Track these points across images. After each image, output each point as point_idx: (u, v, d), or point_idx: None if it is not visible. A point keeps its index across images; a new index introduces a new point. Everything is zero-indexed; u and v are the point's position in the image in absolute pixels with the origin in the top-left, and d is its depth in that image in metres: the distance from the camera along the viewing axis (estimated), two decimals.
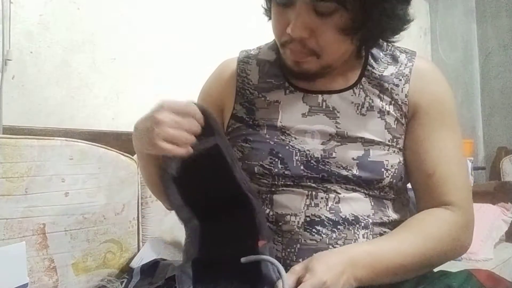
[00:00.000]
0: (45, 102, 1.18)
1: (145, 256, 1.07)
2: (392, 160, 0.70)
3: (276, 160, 0.71)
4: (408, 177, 0.74)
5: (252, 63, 0.81)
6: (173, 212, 1.27)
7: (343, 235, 0.67)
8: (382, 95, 0.73)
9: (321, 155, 0.70)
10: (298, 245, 0.68)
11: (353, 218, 0.68)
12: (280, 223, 0.69)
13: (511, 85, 2.50)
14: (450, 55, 2.71)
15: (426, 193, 0.71)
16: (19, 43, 1.13)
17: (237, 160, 0.67)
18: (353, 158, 0.69)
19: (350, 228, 0.68)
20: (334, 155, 0.70)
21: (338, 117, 0.72)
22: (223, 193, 0.64)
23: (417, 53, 0.78)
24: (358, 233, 0.68)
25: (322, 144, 0.71)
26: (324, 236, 0.67)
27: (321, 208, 0.68)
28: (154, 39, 1.43)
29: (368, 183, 0.69)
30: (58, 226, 0.97)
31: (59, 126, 1.18)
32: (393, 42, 0.74)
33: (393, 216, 0.72)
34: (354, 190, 0.69)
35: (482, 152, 2.59)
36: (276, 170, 0.71)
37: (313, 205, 0.69)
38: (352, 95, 0.73)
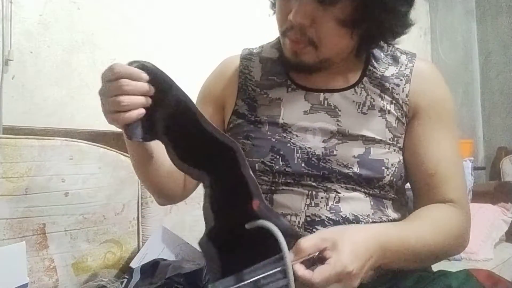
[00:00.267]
0: (45, 102, 1.18)
1: (152, 246, 1.07)
2: (392, 158, 0.71)
3: (277, 157, 0.71)
4: (407, 177, 0.75)
5: (255, 60, 0.81)
6: (173, 212, 1.27)
7: None
8: (383, 95, 0.73)
9: (322, 153, 0.70)
10: None
11: (353, 217, 0.68)
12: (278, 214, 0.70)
13: (511, 85, 2.50)
14: (450, 55, 2.71)
15: (427, 192, 0.72)
16: (19, 43, 1.13)
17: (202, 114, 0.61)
18: (354, 156, 0.70)
19: None
20: (335, 153, 0.70)
21: (339, 115, 0.72)
22: (204, 149, 0.59)
23: (417, 54, 0.79)
24: None
25: (323, 142, 0.71)
26: None
27: (321, 208, 0.69)
28: (154, 39, 1.43)
29: (368, 182, 0.70)
30: (58, 226, 0.97)
31: (59, 126, 1.18)
32: (394, 44, 0.75)
33: (393, 215, 0.72)
34: (354, 190, 0.70)
35: (482, 152, 2.59)
36: (277, 167, 0.71)
37: (313, 205, 0.69)
38: (353, 94, 0.73)
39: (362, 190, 0.70)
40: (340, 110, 0.72)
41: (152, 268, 0.94)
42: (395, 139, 0.72)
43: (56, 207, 0.97)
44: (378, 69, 0.75)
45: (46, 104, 1.18)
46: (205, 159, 0.60)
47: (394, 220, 0.72)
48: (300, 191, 0.70)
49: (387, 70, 0.75)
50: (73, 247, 0.99)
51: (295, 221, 0.69)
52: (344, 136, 0.71)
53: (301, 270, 0.51)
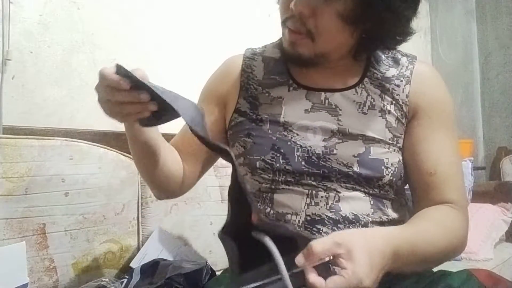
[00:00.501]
0: (45, 102, 1.18)
1: (150, 248, 1.07)
2: (392, 158, 0.71)
3: (278, 155, 0.72)
4: (407, 177, 0.75)
5: (257, 59, 0.82)
6: (173, 212, 1.28)
7: None
8: (383, 95, 0.74)
9: (322, 152, 0.71)
10: None
11: (353, 217, 0.69)
12: (280, 222, 0.70)
13: (511, 85, 2.50)
14: (450, 55, 2.71)
15: (427, 192, 0.71)
16: (19, 43, 1.13)
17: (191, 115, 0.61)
18: (353, 155, 0.70)
19: (350, 227, 0.68)
20: (335, 151, 0.70)
21: (340, 115, 0.73)
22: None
23: (417, 56, 0.79)
24: None
25: (323, 140, 0.71)
26: (324, 234, 0.68)
27: (321, 207, 0.69)
28: (154, 39, 1.43)
29: (368, 181, 0.70)
30: (58, 226, 0.97)
31: (59, 126, 1.18)
32: (394, 49, 0.75)
33: (392, 215, 0.72)
34: (354, 189, 0.70)
35: (482, 152, 2.59)
36: (277, 165, 0.71)
37: (313, 204, 0.69)
38: (354, 94, 0.74)
39: (362, 189, 0.70)
40: (340, 110, 0.73)
41: (152, 268, 0.94)
42: (395, 139, 0.72)
43: (56, 207, 0.97)
44: (379, 71, 0.75)
45: (46, 104, 1.18)
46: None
47: (394, 219, 0.72)
48: (300, 190, 0.70)
49: (388, 71, 0.75)
50: (73, 247, 0.99)
51: (295, 220, 0.69)
52: (344, 135, 0.71)
53: (313, 277, 0.49)
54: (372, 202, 0.70)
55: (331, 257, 0.51)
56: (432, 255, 0.62)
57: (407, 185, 0.77)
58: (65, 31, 1.22)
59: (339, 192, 0.69)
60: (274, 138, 0.73)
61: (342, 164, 0.70)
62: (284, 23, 0.70)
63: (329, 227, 0.68)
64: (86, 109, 1.27)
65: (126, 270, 1.05)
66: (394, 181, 0.71)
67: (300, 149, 0.71)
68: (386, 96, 0.74)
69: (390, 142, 0.72)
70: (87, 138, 1.12)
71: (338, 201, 0.69)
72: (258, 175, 0.73)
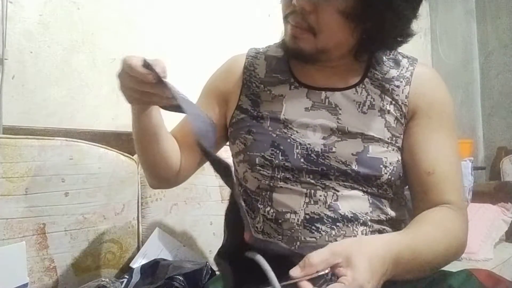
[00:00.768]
0: (45, 102, 1.18)
1: (150, 248, 1.07)
2: (391, 157, 0.71)
3: (277, 151, 0.73)
4: (406, 177, 0.75)
5: (260, 58, 0.83)
6: (173, 212, 1.28)
7: (342, 232, 0.68)
8: (383, 95, 0.74)
9: (321, 149, 0.71)
10: (298, 243, 0.69)
11: (352, 215, 0.69)
12: (280, 221, 0.70)
13: (511, 85, 2.50)
14: (450, 55, 2.71)
15: (425, 192, 0.71)
16: (19, 43, 1.13)
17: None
18: (352, 154, 0.70)
19: (349, 225, 0.68)
20: (334, 149, 0.71)
21: (340, 114, 0.73)
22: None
23: (418, 56, 0.80)
24: (356, 230, 0.69)
25: (323, 138, 0.72)
26: (323, 233, 0.68)
27: (320, 206, 0.69)
28: (154, 39, 1.43)
29: (366, 179, 0.70)
30: (58, 226, 0.97)
31: (59, 126, 1.18)
32: (394, 50, 0.76)
33: (391, 214, 0.73)
34: (353, 188, 0.70)
35: (482, 152, 2.59)
36: (277, 161, 0.72)
37: (312, 203, 0.70)
38: (354, 94, 0.74)
39: (360, 188, 0.70)
40: (340, 109, 0.74)
41: (152, 268, 0.94)
42: (394, 138, 0.73)
43: (56, 207, 0.97)
44: (379, 71, 0.76)
45: (46, 104, 1.18)
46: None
47: (393, 218, 0.73)
48: (298, 190, 0.71)
49: (388, 72, 0.76)
50: (73, 247, 0.99)
51: (294, 219, 0.69)
52: (344, 133, 0.72)
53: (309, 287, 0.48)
54: (370, 201, 0.71)
55: (329, 269, 0.50)
56: (434, 259, 0.62)
57: (407, 186, 0.77)
58: (65, 31, 1.22)
59: (338, 191, 0.70)
60: (274, 135, 0.74)
61: (340, 162, 0.70)
62: (286, 18, 0.71)
63: (328, 226, 0.68)
64: (86, 109, 1.27)
65: (126, 270, 1.05)
66: (392, 180, 0.71)
67: (299, 147, 0.72)
68: (386, 96, 0.74)
69: (389, 141, 0.72)
70: (87, 138, 1.12)
71: (337, 200, 0.70)
72: (257, 172, 0.74)
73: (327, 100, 0.75)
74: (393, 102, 0.74)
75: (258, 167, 0.73)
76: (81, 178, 1.01)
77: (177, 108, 0.62)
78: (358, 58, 0.76)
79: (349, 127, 0.72)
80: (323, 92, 0.75)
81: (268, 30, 1.69)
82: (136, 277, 0.94)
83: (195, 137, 0.57)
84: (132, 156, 1.15)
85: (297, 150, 0.72)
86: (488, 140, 2.58)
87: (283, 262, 0.55)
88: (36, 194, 0.94)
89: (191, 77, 1.26)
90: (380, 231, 0.71)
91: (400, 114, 0.74)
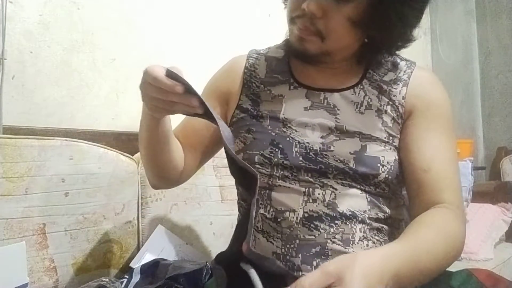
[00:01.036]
0: (45, 102, 1.18)
1: (150, 247, 1.07)
2: (388, 156, 0.72)
3: (277, 150, 0.74)
4: (403, 176, 0.75)
5: (260, 59, 0.84)
6: (173, 212, 1.28)
7: (340, 229, 0.69)
8: (380, 96, 0.76)
9: (319, 148, 0.72)
10: (297, 241, 0.69)
11: (350, 213, 0.69)
12: (279, 220, 0.71)
13: (511, 85, 2.50)
14: (450, 55, 2.71)
15: (421, 191, 0.71)
16: (19, 43, 1.13)
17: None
18: (350, 153, 0.71)
19: (348, 223, 0.69)
20: (332, 148, 0.72)
21: (338, 114, 0.74)
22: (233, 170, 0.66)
23: (417, 54, 0.81)
24: (355, 227, 0.69)
25: (321, 137, 0.73)
26: (322, 231, 0.69)
27: (318, 204, 0.70)
28: (154, 39, 1.43)
29: (364, 178, 0.71)
30: (58, 226, 0.97)
31: (59, 126, 1.18)
32: (395, 54, 0.78)
33: (389, 213, 0.73)
34: (351, 186, 0.71)
35: (482, 152, 2.59)
36: (276, 159, 0.73)
37: (310, 201, 0.70)
38: (352, 94, 0.76)
39: (358, 186, 0.71)
40: (339, 109, 0.75)
41: (152, 268, 0.94)
42: (391, 138, 0.74)
43: (56, 207, 0.97)
44: (378, 73, 0.77)
45: (46, 104, 1.18)
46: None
47: (391, 217, 0.73)
48: (297, 188, 0.71)
49: (387, 75, 0.77)
50: (73, 247, 0.99)
51: (293, 217, 0.70)
52: (342, 133, 0.73)
53: None
54: (368, 199, 0.71)
55: None
56: (435, 266, 0.60)
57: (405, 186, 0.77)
58: (65, 31, 1.22)
59: (336, 189, 0.71)
60: (274, 134, 0.75)
61: (338, 161, 0.71)
62: (292, 20, 0.72)
63: (326, 224, 0.69)
64: (86, 109, 1.27)
65: (126, 270, 1.05)
66: (390, 179, 0.72)
67: (298, 145, 0.73)
68: (383, 97, 0.75)
69: (386, 140, 0.73)
70: (87, 138, 1.12)
71: (335, 198, 0.70)
72: (256, 170, 0.74)
73: (325, 100, 0.76)
74: (390, 103, 0.75)
75: (257, 165, 0.74)
76: (81, 178, 1.01)
77: (201, 116, 0.63)
78: (360, 61, 0.77)
79: (347, 126, 0.73)
80: (322, 92, 0.76)
81: (268, 30, 1.69)
82: (136, 277, 0.93)
83: (224, 145, 0.60)
84: (132, 156, 1.15)
85: (296, 149, 0.73)
86: (488, 140, 2.58)
87: (277, 280, 0.56)
88: (36, 194, 0.94)
89: (191, 77, 1.26)
90: (378, 229, 0.72)
91: (397, 115, 0.75)
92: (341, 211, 0.69)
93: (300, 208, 0.70)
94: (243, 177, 0.63)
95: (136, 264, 1.03)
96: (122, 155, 1.12)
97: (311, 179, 0.72)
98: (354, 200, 0.71)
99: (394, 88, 0.75)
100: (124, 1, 1.36)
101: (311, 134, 0.74)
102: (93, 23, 1.28)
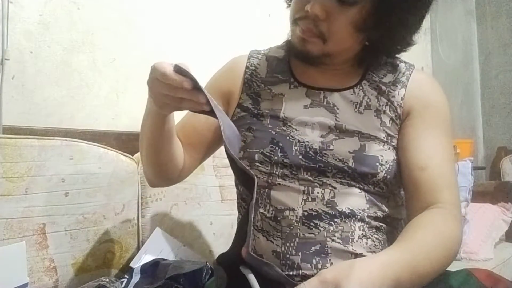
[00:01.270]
0: (45, 102, 1.18)
1: (150, 248, 1.07)
2: (387, 156, 0.73)
3: (277, 148, 0.74)
4: (400, 176, 0.75)
5: (261, 58, 0.85)
6: (173, 212, 1.28)
7: (340, 228, 0.69)
8: (379, 96, 0.77)
9: (319, 147, 0.73)
10: (297, 239, 0.69)
11: (349, 211, 0.70)
12: (278, 219, 0.71)
13: (511, 85, 2.50)
14: (450, 55, 2.71)
15: (418, 190, 0.71)
16: (19, 43, 1.13)
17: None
18: (349, 152, 0.72)
19: (347, 221, 0.69)
20: (331, 147, 0.73)
21: (338, 113, 0.75)
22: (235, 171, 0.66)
23: (417, 55, 0.82)
24: (354, 225, 0.70)
25: (321, 136, 0.74)
26: (321, 229, 0.69)
27: (317, 203, 0.71)
28: (154, 39, 1.43)
29: (362, 177, 0.71)
30: (58, 226, 0.97)
31: (59, 126, 1.18)
32: (394, 57, 0.79)
33: (388, 212, 0.74)
34: (350, 185, 0.71)
35: (482, 152, 2.59)
36: (275, 157, 0.74)
37: (309, 200, 0.71)
38: (351, 94, 0.76)
39: (357, 185, 0.72)
40: (338, 108, 0.76)
41: (152, 268, 0.94)
42: (389, 138, 0.75)
43: (56, 207, 0.97)
44: (377, 75, 0.78)
45: (46, 104, 1.18)
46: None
47: (390, 216, 0.74)
48: (296, 187, 0.72)
49: (386, 76, 0.78)
50: (73, 247, 0.99)
51: (293, 216, 0.70)
52: (341, 132, 0.74)
53: None
54: (367, 198, 0.72)
55: None
56: (434, 269, 0.60)
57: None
58: (65, 31, 1.22)
59: (335, 188, 0.71)
60: (274, 133, 0.76)
61: (338, 160, 0.72)
62: (295, 21, 0.72)
63: (326, 222, 0.70)
64: (86, 109, 1.27)
65: (126, 270, 1.05)
66: (388, 179, 0.72)
67: (298, 144, 0.74)
68: (382, 98, 0.76)
69: (385, 140, 0.74)
70: (87, 138, 1.12)
71: (334, 196, 0.71)
72: (256, 168, 0.75)
73: (325, 100, 0.76)
74: (389, 103, 0.76)
75: (257, 164, 0.75)
76: (81, 178, 1.01)
77: (208, 113, 0.63)
78: (360, 63, 0.78)
79: (347, 125, 0.74)
80: (322, 92, 0.77)
81: (268, 30, 1.69)
82: (136, 277, 0.93)
83: (224, 144, 0.60)
84: (132, 156, 1.15)
85: (296, 147, 0.73)
86: (488, 140, 2.59)
87: (275, 285, 0.56)
88: (36, 194, 0.94)
89: None
90: (377, 228, 0.72)
91: (396, 115, 0.75)
92: (340, 210, 0.70)
93: (300, 207, 0.71)
94: (243, 177, 0.64)
95: (136, 264, 1.03)
96: (122, 155, 1.12)
97: (310, 178, 0.72)
98: (353, 199, 0.71)
99: (393, 90, 0.76)
100: (124, 1, 1.36)
101: (310, 133, 0.74)
102: (93, 23, 1.28)
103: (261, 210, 0.74)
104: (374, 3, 0.67)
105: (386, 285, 0.51)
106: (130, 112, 1.35)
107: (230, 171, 0.68)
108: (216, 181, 1.29)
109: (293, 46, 0.76)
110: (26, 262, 0.84)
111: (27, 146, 0.94)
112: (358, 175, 0.71)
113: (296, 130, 0.75)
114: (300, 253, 0.68)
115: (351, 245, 0.69)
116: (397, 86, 0.77)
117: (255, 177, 0.60)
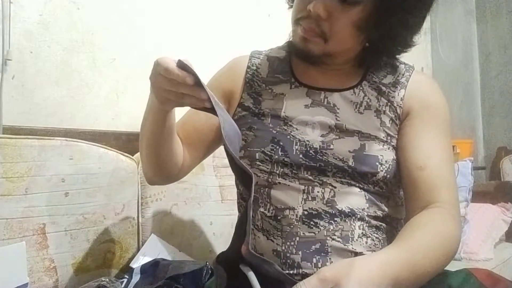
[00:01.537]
0: (45, 102, 1.18)
1: (148, 250, 1.07)
2: (386, 156, 0.73)
3: (277, 147, 0.74)
4: (399, 176, 0.75)
5: (263, 59, 0.86)
6: (173, 212, 1.28)
7: (340, 226, 0.69)
8: (379, 97, 0.77)
9: (319, 146, 0.73)
10: (297, 238, 0.70)
11: (349, 210, 0.70)
12: (278, 218, 0.71)
13: (511, 85, 2.50)
14: (450, 55, 2.71)
15: (417, 189, 0.71)
16: (19, 43, 1.13)
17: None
18: (349, 151, 0.72)
19: (347, 220, 0.70)
20: (331, 147, 0.73)
21: (338, 113, 0.76)
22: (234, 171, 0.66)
23: (417, 55, 0.82)
24: (354, 224, 0.70)
25: (321, 136, 0.74)
26: (321, 228, 0.69)
27: (317, 202, 0.71)
28: (154, 39, 1.43)
29: (362, 176, 0.71)
30: (58, 226, 0.97)
31: (59, 126, 1.18)
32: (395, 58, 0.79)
33: (388, 211, 0.74)
34: (349, 184, 0.72)
35: (482, 152, 2.59)
36: (276, 156, 0.74)
37: (310, 199, 0.71)
38: (352, 95, 0.77)
39: (357, 184, 0.72)
40: (338, 108, 0.76)
41: (152, 268, 0.94)
42: (389, 137, 0.75)
43: (56, 207, 0.97)
44: (377, 76, 0.79)
45: (46, 104, 1.18)
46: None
47: (389, 216, 0.74)
48: (296, 186, 0.72)
49: (386, 77, 0.79)
50: (73, 247, 0.99)
51: (293, 215, 0.71)
52: (342, 131, 0.74)
53: None
54: (367, 197, 0.72)
55: None
56: (433, 268, 0.60)
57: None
58: (65, 31, 1.22)
59: (335, 187, 0.71)
60: (274, 132, 0.76)
61: (338, 159, 0.72)
62: (297, 21, 0.73)
63: (326, 221, 0.70)
64: (86, 109, 1.27)
65: (126, 270, 1.05)
66: (388, 178, 0.73)
67: (298, 143, 0.74)
68: (382, 98, 0.77)
69: (385, 140, 0.74)
70: (87, 138, 1.12)
71: (334, 196, 0.71)
72: (256, 167, 0.75)
73: (326, 99, 0.77)
74: (389, 104, 0.76)
75: (258, 162, 0.75)
76: (81, 178, 1.01)
77: (209, 110, 0.63)
78: (360, 63, 0.79)
79: (347, 125, 0.74)
80: (322, 92, 0.77)
81: (268, 30, 1.69)
82: (136, 277, 0.94)
83: (223, 142, 0.60)
84: (132, 156, 1.15)
85: (296, 147, 0.74)
86: (488, 140, 2.58)
87: (274, 284, 0.56)
88: (36, 194, 0.94)
89: None
90: (377, 227, 0.72)
91: (395, 116, 0.76)
92: (340, 209, 0.70)
93: (300, 206, 0.71)
94: (242, 176, 0.64)
95: (136, 264, 1.03)
96: (122, 155, 1.12)
97: (310, 177, 0.72)
98: (353, 198, 0.71)
99: (393, 91, 0.77)
100: (124, 1, 1.36)
101: (311, 132, 0.75)
102: (93, 23, 1.28)
103: (261, 209, 0.74)
104: (376, 3, 0.67)
105: (385, 284, 0.51)
106: (130, 112, 1.35)
107: (230, 171, 0.68)
108: (216, 181, 1.29)
109: (294, 46, 0.76)
110: (26, 262, 0.84)
111: (27, 146, 0.94)
112: (358, 175, 0.71)
113: (296, 129, 0.75)
114: (300, 252, 0.69)
115: (351, 244, 0.69)
116: (397, 87, 0.77)
117: (253, 174, 0.60)
